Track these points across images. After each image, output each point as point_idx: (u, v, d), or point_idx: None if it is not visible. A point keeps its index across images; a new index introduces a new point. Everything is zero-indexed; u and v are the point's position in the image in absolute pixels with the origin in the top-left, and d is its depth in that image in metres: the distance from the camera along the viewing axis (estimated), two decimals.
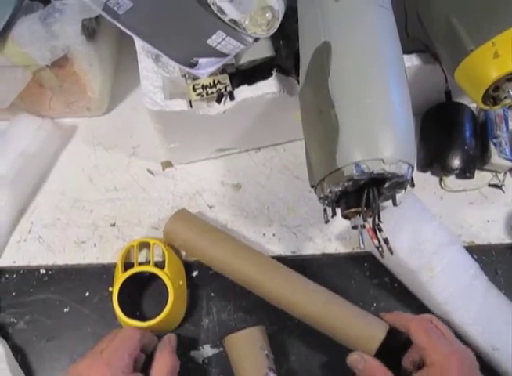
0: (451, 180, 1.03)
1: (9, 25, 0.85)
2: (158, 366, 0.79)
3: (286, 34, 0.88)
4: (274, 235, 0.97)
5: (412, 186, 0.71)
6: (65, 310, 0.94)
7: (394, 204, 0.73)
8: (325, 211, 0.74)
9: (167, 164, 1.04)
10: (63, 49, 0.89)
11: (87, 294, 0.95)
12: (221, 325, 0.91)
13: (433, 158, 1.02)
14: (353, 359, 0.80)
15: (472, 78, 0.78)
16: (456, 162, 0.99)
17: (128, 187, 1.02)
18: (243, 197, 1.01)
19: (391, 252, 0.71)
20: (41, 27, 0.85)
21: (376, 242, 0.69)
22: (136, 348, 0.78)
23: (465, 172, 1.01)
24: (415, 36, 0.88)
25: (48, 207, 1.01)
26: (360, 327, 0.82)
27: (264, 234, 0.98)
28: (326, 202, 0.72)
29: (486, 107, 0.81)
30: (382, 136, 0.65)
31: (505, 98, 0.78)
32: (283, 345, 0.90)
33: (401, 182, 0.68)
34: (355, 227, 0.70)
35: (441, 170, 1.01)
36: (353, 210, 0.69)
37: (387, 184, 0.68)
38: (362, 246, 0.69)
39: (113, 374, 0.72)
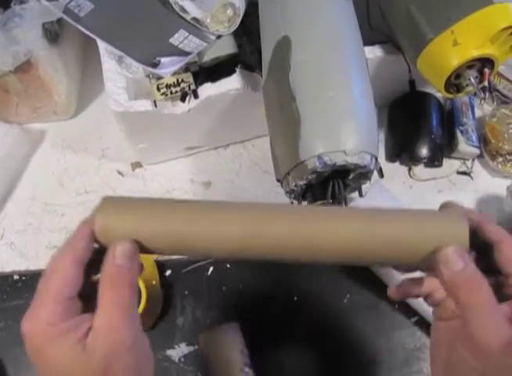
0: (419, 169, 1.03)
1: None
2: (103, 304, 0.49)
3: (249, 30, 0.89)
4: None
5: (381, 176, 0.72)
6: None
7: (360, 195, 0.74)
8: (291, 204, 0.74)
9: (136, 165, 1.04)
10: (26, 54, 0.88)
11: None
12: (196, 323, 0.91)
13: (401, 148, 1.02)
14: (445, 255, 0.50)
15: (433, 67, 0.79)
16: (423, 151, 1.00)
17: (98, 189, 1.02)
18: (213, 194, 1.02)
19: None
20: (1, 32, 0.85)
21: None
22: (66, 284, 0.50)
23: (433, 161, 1.01)
24: (377, 27, 0.88)
25: (19, 213, 1.01)
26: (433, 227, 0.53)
27: None
28: (293, 195, 0.72)
29: (450, 95, 0.82)
30: (343, 128, 0.65)
31: (467, 85, 0.79)
32: (257, 340, 0.90)
33: (365, 173, 0.68)
34: None
35: (410, 159, 1.02)
36: (319, 202, 0.70)
37: (351, 175, 0.68)
38: None
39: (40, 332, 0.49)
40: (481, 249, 0.53)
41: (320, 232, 0.52)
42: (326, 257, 0.53)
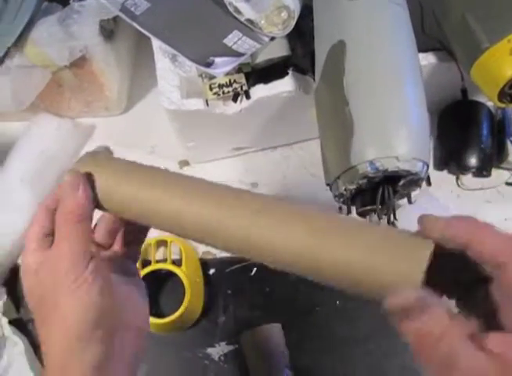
0: (468, 178, 1.02)
1: (29, 27, 0.87)
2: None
3: (303, 33, 0.89)
4: None
5: (429, 184, 0.72)
6: None
7: (409, 201, 0.73)
8: (340, 208, 0.74)
9: (184, 163, 1.05)
10: (81, 50, 0.90)
11: None
12: (238, 322, 0.92)
13: (450, 156, 1.02)
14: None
15: (488, 76, 0.78)
16: (472, 160, 0.99)
17: None
18: None
19: None
20: (59, 28, 0.86)
21: None
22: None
23: (482, 171, 1.00)
24: (431, 34, 0.88)
25: None
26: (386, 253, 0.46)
27: None
28: (342, 200, 0.72)
29: (502, 105, 0.81)
30: (396, 134, 0.65)
31: None
32: (298, 341, 0.90)
33: (415, 180, 0.68)
34: None
35: (458, 168, 1.01)
36: (368, 208, 0.70)
37: (401, 182, 0.68)
38: None
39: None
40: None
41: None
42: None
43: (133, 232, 0.64)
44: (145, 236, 0.67)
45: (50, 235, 0.55)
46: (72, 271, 0.51)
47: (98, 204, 0.57)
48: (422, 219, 0.48)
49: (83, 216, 0.54)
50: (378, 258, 0.45)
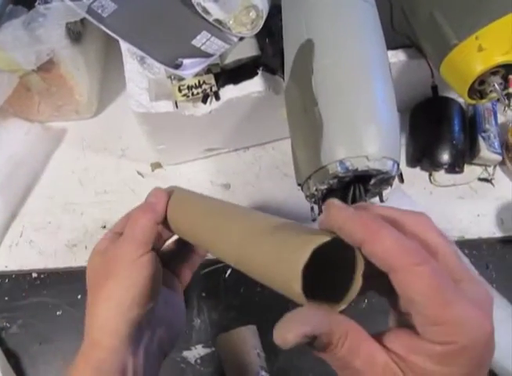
0: (440, 175, 1.03)
1: None
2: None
3: (272, 33, 0.88)
4: None
5: (402, 181, 0.71)
6: (57, 313, 0.94)
7: (381, 200, 0.73)
8: (312, 209, 0.74)
9: (156, 166, 1.04)
10: (48, 53, 0.89)
11: (79, 296, 0.95)
12: (213, 325, 0.92)
13: (422, 153, 1.02)
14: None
15: (457, 73, 0.78)
16: (445, 157, 0.99)
17: (117, 189, 1.02)
18: (232, 196, 1.02)
19: None
20: (24, 32, 0.85)
21: None
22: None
23: (454, 167, 1.01)
24: (400, 31, 0.88)
25: (39, 211, 1.01)
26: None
27: None
28: (313, 200, 0.72)
29: (473, 101, 0.81)
30: (366, 133, 0.64)
31: (491, 92, 0.78)
32: (274, 343, 0.90)
33: (386, 179, 0.68)
34: None
35: (431, 165, 1.01)
36: None
37: (372, 181, 0.68)
38: None
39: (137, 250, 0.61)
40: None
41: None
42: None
43: (189, 255, 0.76)
44: (197, 263, 0.78)
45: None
46: (135, 249, 0.61)
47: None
48: (328, 205, 0.45)
49: (155, 219, 0.65)
50: (271, 258, 0.47)
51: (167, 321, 0.70)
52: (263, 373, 0.82)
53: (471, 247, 0.97)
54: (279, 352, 0.89)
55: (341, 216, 0.43)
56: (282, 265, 0.45)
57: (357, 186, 0.68)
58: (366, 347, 0.42)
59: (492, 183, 1.03)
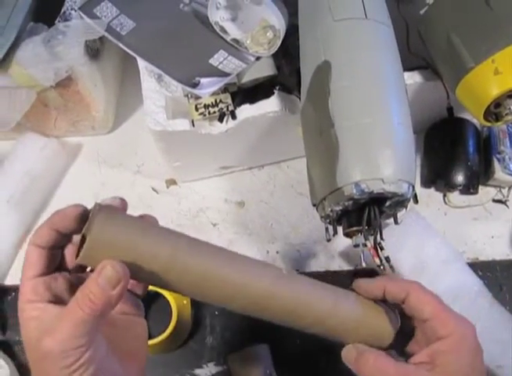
0: (455, 196, 1.03)
1: (14, 47, 0.86)
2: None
3: (289, 52, 0.89)
4: (277, 252, 0.98)
5: (416, 202, 0.71)
6: None
7: (396, 222, 0.73)
8: (326, 229, 0.74)
9: (171, 182, 1.04)
10: (67, 70, 0.89)
11: None
12: (225, 343, 0.91)
13: (436, 174, 1.02)
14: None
15: (473, 95, 0.78)
16: (459, 178, 0.99)
17: (133, 205, 1.00)
18: (246, 214, 1.02)
19: (393, 270, 0.71)
20: (44, 49, 0.86)
21: (377, 261, 0.69)
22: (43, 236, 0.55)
23: (469, 188, 1.01)
24: (416, 52, 0.88)
25: None
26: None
27: (267, 252, 0.98)
28: (328, 221, 0.72)
29: (488, 124, 0.82)
30: (381, 156, 0.65)
31: (506, 114, 0.78)
32: (286, 363, 0.90)
33: (401, 201, 0.68)
34: (356, 246, 0.70)
35: (445, 186, 1.01)
36: (354, 229, 0.69)
37: (387, 203, 0.68)
38: (363, 264, 0.69)
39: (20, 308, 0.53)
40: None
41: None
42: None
43: None
44: None
45: (56, 281, 0.54)
46: (69, 354, 0.49)
47: None
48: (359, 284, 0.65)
49: (108, 306, 0.50)
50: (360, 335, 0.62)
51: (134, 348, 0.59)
52: None
53: (485, 269, 0.97)
54: (290, 372, 0.89)
55: (381, 283, 0.62)
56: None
57: (372, 208, 0.67)
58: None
59: (506, 205, 1.03)
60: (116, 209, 0.57)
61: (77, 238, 0.56)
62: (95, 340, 0.50)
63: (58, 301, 0.53)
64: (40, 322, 0.51)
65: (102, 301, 0.49)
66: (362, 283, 0.64)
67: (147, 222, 0.58)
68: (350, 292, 0.65)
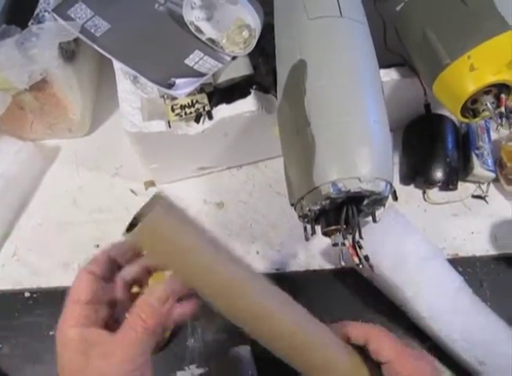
0: (434, 193, 1.03)
1: None
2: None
3: (265, 51, 0.89)
4: (258, 252, 0.97)
5: (395, 199, 0.71)
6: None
7: (374, 220, 0.73)
8: (305, 229, 0.74)
9: (150, 184, 1.03)
10: (41, 73, 0.89)
11: None
12: (207, 345, 0.91)
13: (415, 171, 1.02)
14: None
15: (450, 92, 0.78)
16: (438, 174, 0.99)
17: (111, 208, 1.02)
18: (225, 215, 1.01)
19: (372, 269, 0.71)
20: (18, 51, 0.85)
21: (356, 259, 0.69)
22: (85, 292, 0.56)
23: (448, 184, 1.01)
24: (393, 49, 0.88)
25: (32, 230, 1.01)
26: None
27: (247, 252, 0.97)
28: (306, 220, 0.72)
29: (465, 120, 0.82)
30: (358, 154, 0.64)
31: (483, 110, 0.78)
32: (268, 364, 0.89)
33: (379, 199, 0.68)
34: (335, 245, 0.70)
35: (424, 183, 1.01)
36: (333, 228, 0.69)
37: (365, 201, 0.68)
38: (342, 263, 0.69)
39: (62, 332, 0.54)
40: None
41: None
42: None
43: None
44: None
45: (101, 309, 0.56)
46: (131, 361, 0.52)
47: None
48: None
49: (159, 323, 0.54)
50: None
51: None
52: None
53: (465, 265, 0.97)
54: (273, 374, 0.89)
55: (342, 328, 0.62)
56: None
57: (350, 206, 0.67)
58: None
59: (485, 200, 1.03)
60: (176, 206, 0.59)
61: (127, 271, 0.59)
62: (148, 360, 0.55)
63: (104, 327, 0.55)
64: (88, 346, 0.52)
65: (153, 319, 0.53)
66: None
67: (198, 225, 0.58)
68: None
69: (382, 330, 0.62)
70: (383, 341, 0.60)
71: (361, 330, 0.62)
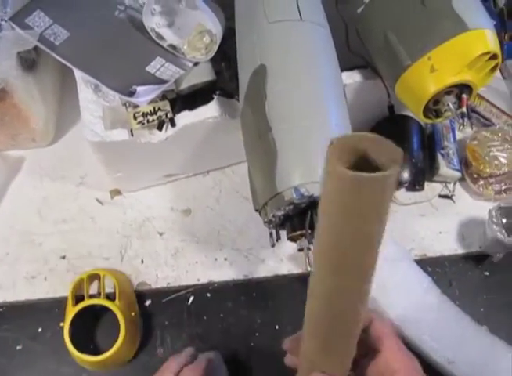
0: (401, 193, 1.03)
1: None
2: None
3: (228, 56, 0.88)
4: (226, 259, 0.97)
5: None
6: (18, 348, 0.91)
7: None
8: (271, 234, 0.73)
9: (115, 193, 1.02)
10: (0, 83, 0.87)
11: (39, 329, 0.92)
12: (176, 354, 0.90)
13: None
14: None
15: (411, 93, 0.79)
16: (405, 175, 0.99)
17: (76, 218, 1.01)
18: (193, 222, 1.00)
19: None
20: None
21: None
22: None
23: (414, 185, 1.01)
24: (356, 51, 0.88)
25: None
26: None
27: (215, 259, 0.97)
28: (271, 226, 0.71)
29: (428, 121, 0.82)
30: (320, 158, 0.64)
31: (445, 111, 0.79)
32: (241, 368, 0.89)
33: None
34: (301, 250, 0.69)
35: None
36: (298, 233, 0.69)
37: None
38: (309, 268, 0.68)
39: None
40: None
41: None
42: None
43: None
44: None
45: None
46: None
47: None
48: None
49: None
50: None
51: None
52: None
53: (434, 265, 0.97)
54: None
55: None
56: None
57: (314, 211, 0.67)
58: None
59: (452, 200, 1.04)
60: None
61: None
62: None
63: None
64: None
65: None
66: None
67: None
68: None
69: (380, 317, 0.64)
70: (383, 328, 0.61)
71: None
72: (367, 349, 0.62)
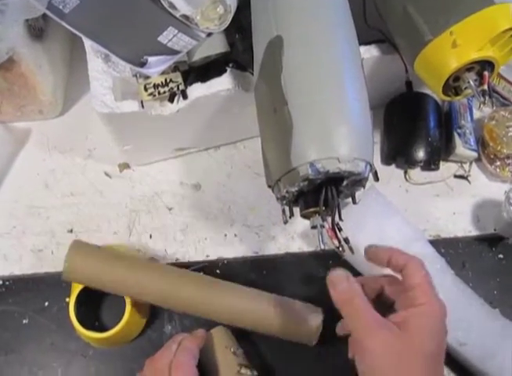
0: (416, 173, 1.01)
1: None
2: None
3: (242, 27, 0.86)
4: (236, 235, 0.95)
5: (377, 179, 0.69)
6: (24, 322, 0.91)
7: (354, 202, 0.71)
8: (283, 211, 0.71)
9: (124, 166, 1.01)
10: (7, 52, 0.85)
11: (46, 303, 0.92)
12: (184, 331, 0.88)
13: (397, 151, 1.00)
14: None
15: (431, 69, 0.76)
16: (420, 154, 0.97)
17: (84, 191, 1.00)
18: (203, 197, 0.99)
19: (352, 252, 0.69)
20: None
21: (336, 242, 0.67)
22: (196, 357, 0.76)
23: (430, 164, 0.99)
24: (374, 25, 0.86)
25: (3, 215, 0.98)
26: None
27: (225, 235, 0.95)
28: (284, 202, 0.69)
29: (447, 98, 0.80)
30: (337, 134, 0.62)
31: (466, 88, 0.76)
32: (253, 341, 0.88)
33: (359, 180, 0.66)
34: (314, 227, 0.67)
35: (406, 163, 0.99)
36: (311, 210, 0.67)
37: (344, 182, 0.65)
38: (321, 246, 0.66)
39: None
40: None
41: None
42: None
43: None
44: None
45: None
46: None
47: None
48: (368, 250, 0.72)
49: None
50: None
51: None
52: (243, 370, 0.80)
53: (447, 246, 0.95)
54: (261, 346, 0.88)
55: (388, 250, 0.69)
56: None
57: (329, 188, 0.65)
58: None
59: (468, 180, 1.02)
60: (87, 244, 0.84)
61: None
62: None
63: None
64: None
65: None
66: (372, 247, 0.72)
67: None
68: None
69: (422, 262, 0.68)
70: (420, 270, 0.66)
71: (404, 256, 0.68)
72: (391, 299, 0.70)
